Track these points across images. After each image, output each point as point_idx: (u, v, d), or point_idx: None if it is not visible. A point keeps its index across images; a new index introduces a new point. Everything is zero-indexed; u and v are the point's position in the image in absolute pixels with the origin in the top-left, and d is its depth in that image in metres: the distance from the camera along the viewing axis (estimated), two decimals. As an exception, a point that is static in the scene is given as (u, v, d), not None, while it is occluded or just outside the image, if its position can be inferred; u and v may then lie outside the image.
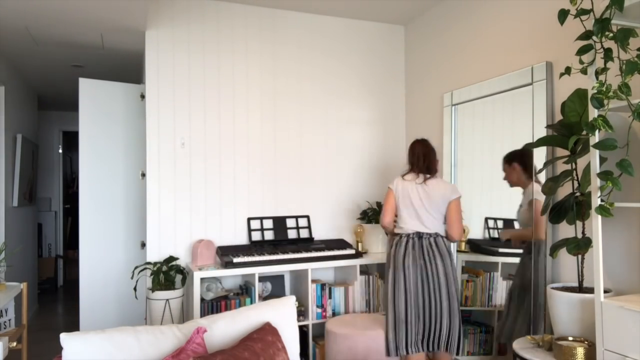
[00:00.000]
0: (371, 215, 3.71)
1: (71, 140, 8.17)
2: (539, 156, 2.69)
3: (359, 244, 3.65)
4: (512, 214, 2.90)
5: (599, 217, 1.91)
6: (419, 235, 2.74)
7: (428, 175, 2.81)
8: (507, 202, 2.94)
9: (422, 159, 2.85)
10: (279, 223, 3.55)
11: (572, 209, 2.26)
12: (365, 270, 3.55)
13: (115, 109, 3.72)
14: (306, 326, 3.29)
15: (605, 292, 2.02)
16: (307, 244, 3.47)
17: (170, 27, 3.37)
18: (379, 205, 3.81)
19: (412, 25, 4.00)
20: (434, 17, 3.69)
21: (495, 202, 3.04)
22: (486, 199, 3.13)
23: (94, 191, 3.64)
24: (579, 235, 2.28)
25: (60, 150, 6.98)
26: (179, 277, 3.16)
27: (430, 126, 3.76)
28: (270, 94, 3.64)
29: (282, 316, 1.98)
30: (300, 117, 3.72)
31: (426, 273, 2.70)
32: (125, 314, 3.71)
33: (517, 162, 2.89)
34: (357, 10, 3.74)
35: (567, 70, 2.04)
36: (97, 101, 3.66)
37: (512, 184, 2.93)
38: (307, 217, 3.64)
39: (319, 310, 3.30)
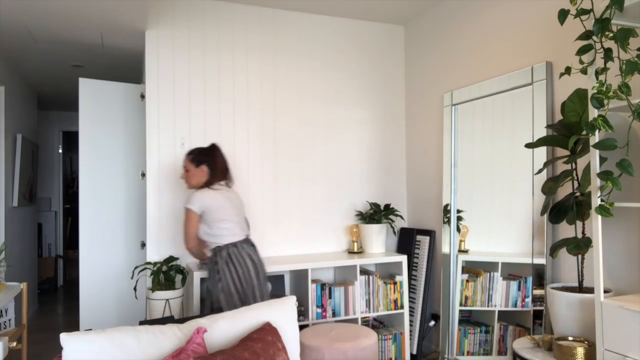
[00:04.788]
0: (368, 215, 3.71)
1: (71, 140, 8.18)
2: (539, 156, 2.70)
3: (355, 244, 3.65)
4: (512, 214, 2.90)
5: (599, 217, 1.91)
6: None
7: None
8: (507, 201, 2.94)
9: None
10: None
11: (572, 209, 2.26)
12: (365, 270, 3.56)
13: (115, 109, 3.72)
14: (306, 326, 3.29)
15: (605, 292, 2.02)
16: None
17: (170, 27, 3.37)
18: (377, 205, 3.81)
19: (412, 25, 4.00)
20: (434, 17, 3.70)
21: (496, 202, 3.04)
22: (486, 199, 3.13)
23: (94, 191, 3.64)
24: (579, 235, 2.28)
25: (60, 150, 6.98)
26: (179, 277, 3.16)
27: (430, 126, 3.76)
28: (270, 93, 3.63)
29: (282, 316, 1.98)
30: (300, 115, 3.72)
31: None
32: (125, 314, 3.71)
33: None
34: (357, 10, 3.74)
35: (567, 70, 2.04)
36: (97, 101, 3.66)
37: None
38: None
39: (319, 310, 3.30)
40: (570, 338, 2.16)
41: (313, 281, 3.35)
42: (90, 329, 1.88)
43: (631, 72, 1.75)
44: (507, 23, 2.98)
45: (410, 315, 3.66)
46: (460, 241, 3.31)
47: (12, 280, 4.39)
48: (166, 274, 3.02)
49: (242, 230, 2.79)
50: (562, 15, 1.95)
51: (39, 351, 4.06)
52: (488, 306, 3.07)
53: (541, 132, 2.67)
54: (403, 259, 3.50)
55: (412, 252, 3.76)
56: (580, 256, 2.29)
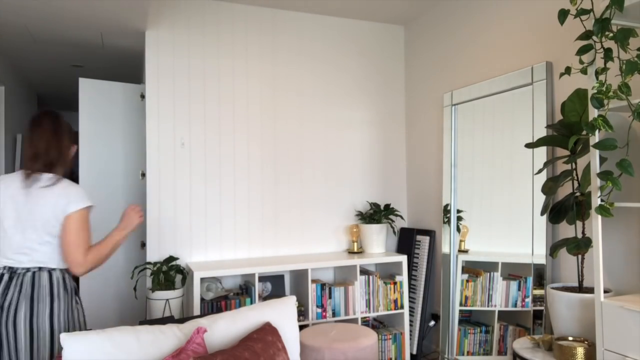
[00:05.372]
0: (368, 215, 3.71)
1: (71, 140, 8.17)
2: (539, 156, 2.69)
3: (354, 244, 3.65)
4: (512, 214, 2.90)
5: (599, 217, 1.91)
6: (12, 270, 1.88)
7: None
8: (507, 201, 2.94)
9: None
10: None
11: (572, 209, 2.26)
12: (365, 270, 3.56)
13: (115, 109, 3.72)
14: (306, 326, 3.29)
15: (605, 292, 2.02)
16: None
17: (170, 26, 3.37)
18: (377, 205, 3.81)
19: (412, 25, 4.00)
20: (434, 17, 3.70)
21: (496, 202, 3.04)
22: (486, 199, 3.13)
23: (94, 191, 3.64)
24: (579, 235, 2.28)
25: (60, 150, 6.98)
26: (179, 277, 3.16)
27: (430, 126, 3.76)
28: (270, 92, 3.64)
29: (283, 316, 1.98)
30: (300, 115, 3.72)
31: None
32: (125, 314, 3.71)
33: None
34: (357, 10, 3.74)
35: (567, 70, 2.04)
36: (97, 101, 3.66)
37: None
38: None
39: (319, 310, 3.30)
40: (570, 338, 2.16)
41: (313, 281, 3.35)
42: (90, 329, 1.88)
43: (631, 72, 1.75)
44: (507, 23, 2.98)
45: (410, 315, 3.66)
46: (460, 241, 3.31)
47: (12, 280, 4.39)
48: (166, 274, 3.02)
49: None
50: (562, 15, 1.95)
51: (39, 351, 4.05)
52: (488, 306, 3.07)
53: (541, 132, 2.67)
54: (403, 259, 3.50)
55: (412, 252, 3.76)
56: (580, 256, 2.29)
